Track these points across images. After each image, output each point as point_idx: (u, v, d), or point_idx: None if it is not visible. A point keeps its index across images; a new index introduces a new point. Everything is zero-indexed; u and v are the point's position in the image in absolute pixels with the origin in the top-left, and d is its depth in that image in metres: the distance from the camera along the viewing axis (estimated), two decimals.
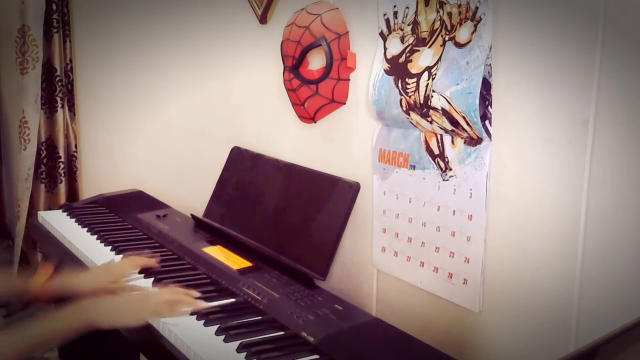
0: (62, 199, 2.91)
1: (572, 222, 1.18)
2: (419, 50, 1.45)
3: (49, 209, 2.68)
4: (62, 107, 2.90)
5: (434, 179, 1.45)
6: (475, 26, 1.30)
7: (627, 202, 1.10)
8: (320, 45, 1.65)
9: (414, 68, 1.45)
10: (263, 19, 1.98)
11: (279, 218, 1.83)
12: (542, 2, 1.19)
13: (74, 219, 2.12)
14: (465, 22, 1.33)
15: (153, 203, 2.32)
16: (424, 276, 1.49)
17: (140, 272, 1.64)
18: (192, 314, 1.40)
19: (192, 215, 2.08)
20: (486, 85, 1.29)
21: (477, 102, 1.29)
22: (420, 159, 1.48)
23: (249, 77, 2.10)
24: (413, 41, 1.46)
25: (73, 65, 2.94)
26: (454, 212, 1.41)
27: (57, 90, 2.88)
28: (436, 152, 1.44)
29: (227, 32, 2.18)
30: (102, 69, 2.91)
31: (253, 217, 1.91)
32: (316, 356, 1.26)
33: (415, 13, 1.45)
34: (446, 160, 1.41)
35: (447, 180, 1.42)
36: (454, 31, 1.35)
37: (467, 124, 1.33)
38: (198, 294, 1.44)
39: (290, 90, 1.77)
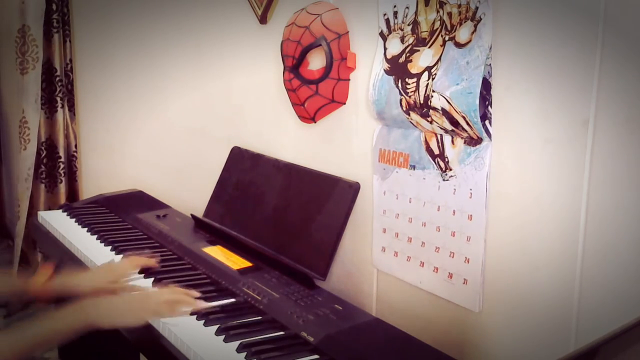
0: (62, 199, 2.91)
1: (572, 222, 1.18)
2: (419, 50, 1.45)
3: (49, 209, 2.68)
4: (62, 107, 2.90)
5: (434, 179, 1.45)
6: (475, 26, 1.30)
7: (627, 202, 1.10)
8: (320, 45, 1.65)
9: (414, 68, 1.45)
10: (263, 19, 1.98)
11: (279, 218, 1.83)
12: (542, 2, 1.19)
13: (74, 219, 2.12)
14: (465, 22, 1.33)
15: (153, 203, 2.32)
16: (424, 276, 1.49)
17: (140, 272, 1.64)
18: (192, 314, 1.40)
19: (192, 215, 2.08)
20: (486, 85, 1.29)
21: (477, 102, 1.29)
22: (420, 159, 1.48)
23: (249, 77, 2.10)
24: (413, 41, 1.46)
25: (73, 65, 2.94)
26: (454, 212, 1.41)
27: (57, 90, 2.88)
28: (436, 152, 1.44)
29: (227, 32, 2.18)
30: (102, 69, 2.91)
31: (253, 217, 1.91)
32: (316, 356, 1.26)
33: (415, 13, 1.45)
34: (446, 160, 1.41)
35: (447, 180, 1.42)
36: (454, 31, 1.35)
37: (467, 124, 1.33)
38: (198, 294, 1.44)
39: (290, 90, 1.77)
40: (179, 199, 2.39)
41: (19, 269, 2.97)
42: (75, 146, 2.96)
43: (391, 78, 1.51)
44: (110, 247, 1.86)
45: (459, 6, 1.34)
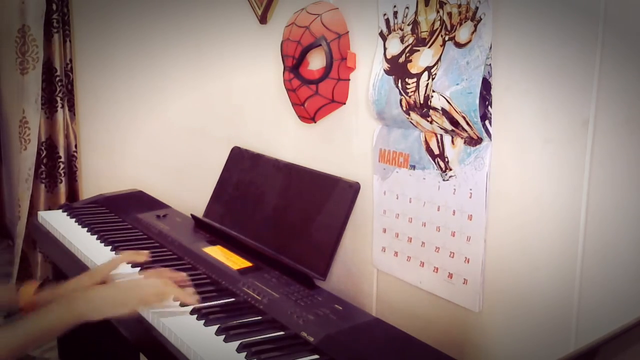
0: (62, 199, 2.91)
1: (572, 222, 1.18)
2: (419, 50, 1.45)
3: (49, 209, 2.68)
4: (62, 107, 2.90)
5: (434, 179, 1.45)
6: (475, 26, 1.30)
7: (627, 202, 1.10)
8: (320, 45, 1.65)
9: (414, 68, 1.45)
10: (263, 19, 1.98)
11: (279, 218, 1.83)
12: (542, 2, 1.19)
13: (74, 219, 2.12)
14: (465, 22, 1.33)
15: (153, 203, 2.32)
16: (424, 276, 1.49)
17: (134, 267, 1.65)
18: (182, 305, 1.41)
19: (192, 215, 2.08)
20: (486, 85, 1.29)
21: (477, 102, 1.29)
22: (420, 159, 1.48)
23: (249, 77, 2.10)
24: (413, 41, 1.46)
25: (73, 65, 2.94)
26: (454, 212, 1.41)
27: (57, 90, 2.88)
28: (436, 152, 1.44)
29: (227, 32, 2.18)
30: (102, 69, 2.91)
31: (253, 217, 1.91)
32: (316, 356, 1.26)
33: (415, 13, 1.45)
34: (446, 160, 1.41)
35: (447, 180, 1.42)
36: (454, 31, 1.35)
37: (467, 124, 1.33)
38: (184, 276, 1.44)
39: (290, 90, 1.77)
40: (179, 199, 2.39)
41: (19, 270, 2.97)
42: (75, 146, 2.96)
43: (391, 78, 1.51)
44: (110, 247, 1.86)
45: (459, 6, 1.34)
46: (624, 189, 1.11)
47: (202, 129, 2.38)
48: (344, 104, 1.71)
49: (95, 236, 1.96)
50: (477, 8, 1.29)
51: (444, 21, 1.38)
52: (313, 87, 1.70)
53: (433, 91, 1.38)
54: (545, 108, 1.21)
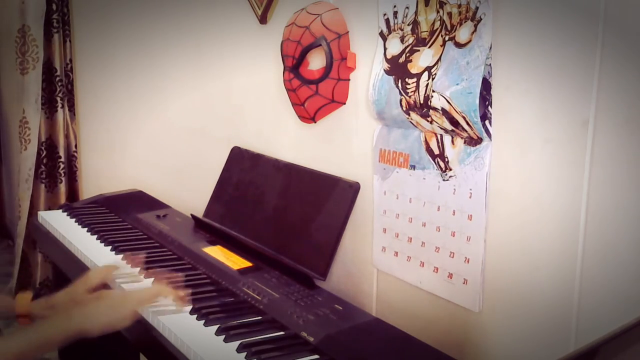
0: (62, 199, 2.91)
1: (572, 222, 1.18)
2: (419, 50, 1.45)
3: (49, 209, 2.68)
4: (62, 107, 2.90)
5: (434, 179, 1.45)
6: (475, 26, 1.30)
7: (627, 202, 1.10)
8: (320, 45, 1.65)
9: (414, 68, 1.45)
10: (263, 19, 1.98)
11: (279, 218, 1.83)
12: (542, 2, 1.19)
13: (74, 219, 2.13)
14: (465, 22, 1.33)
15: (153, 203, 2.32)
16: (424, 276, 1.49)
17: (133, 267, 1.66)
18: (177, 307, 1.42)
19: (192, 215, 2.08)
20: (486, 85, 1.29)
21: (477, 102, 1.29)
22: (420, 159, 1.48)
23: (249, 77, 2.10)
24: (413, 41, 1.46)
25: (73, 65, 2.94)
26: (454, 212, 1.41)
27: (57, 90, 2.88)
28: (436, 152, 1.44)
29: (227, 32, 2.18)
30: (102, 69, 2.91)
31: (253, 217, 1.91)
32: (316, 356, 1.26)
33: (415, 13, 1.45)
34: (446, 160, 1.41)
35: (447, 180, 1.42)
36: (454, 31, 1.35)
37: (467, 124, 1.33)
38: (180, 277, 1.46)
39: (290, 90, 1.77)
40: (179, 199, 2.39)
41: (19, 270, 2.97)
42: (75, 146, 2.96)
43: (391, 78, 1.51)
44: (110, 247, 1.86)
45: (459, 6, 1.34)
46: (624, 189, 1.11)
47: (202, 129, 2.38)
48: (344, 104, 1.71)
49: (95, 236, 1.96)
50: (477, 8, 1.29)
51: (444, 21, 1.38)
52: (313, 87, 1.70)
53: (433, 91, 1.38)
54: (545, 108, 1.21)
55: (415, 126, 1.48)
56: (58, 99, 2.88)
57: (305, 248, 1.69)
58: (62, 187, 2.93)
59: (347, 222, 1.64)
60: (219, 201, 2.08)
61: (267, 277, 1.61)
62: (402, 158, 1.53)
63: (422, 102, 1.41)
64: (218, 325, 1.34)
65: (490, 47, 1.28)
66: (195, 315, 1.40)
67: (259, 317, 1.42)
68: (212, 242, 1.87)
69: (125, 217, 2.15)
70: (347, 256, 1.73)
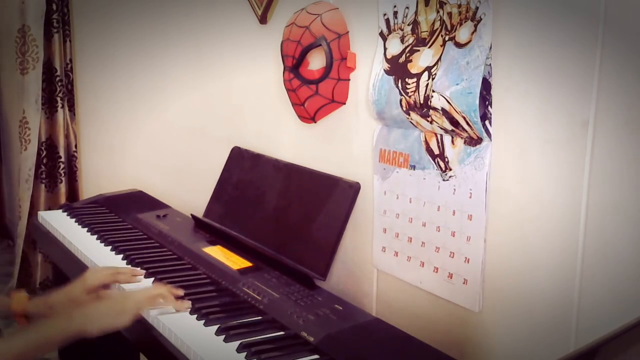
0: (62, 199, 2.91)
1: (572, 222, 1.18)
2: (419, 50, 1.45)
3: (49, 209, 2.68)
4: (62, 107, 2.90)
5: (434, 179, 1.45)
6: (475, 26, 1.30)
7: (627, 202, 1.10)
8: (320, 45, 1.65)
9: (414, 68, 1.45)
10: (263, 19, 1.98)
11: (279, 218, 1.83)
12: (542, 2, 1.19)
13: (74, 219, 2.13)
14: (465, 22, 1.33)
15: (153, 203, 2.32)
16: (424, 276, 1.49)
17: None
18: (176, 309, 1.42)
19: (192, 215, 2.08)
20: (486, 86, 1.30)
21: (477, 102, 1.29)
22: (420, 159, 1.48)
23: (249, 77, 2.10)
24: (413, 41, 1.46)
25: (73, 65, 2.94)
26: (454, 212, 1.41)
27: (57, 90, 2.88)
28: (436, 152, 1.44)
29: (227, 32, 2.18)
30: (102, 69, 2.91)
31: (253, 217, 1.91)
32: (316, 356, 1.26)
33: (415, 13, 1.45)
34: (446, 160, 1.41)
35: (447, 180, 1.42)
36: (454, 31, 1.35)
37: (467, 124, 1.33)
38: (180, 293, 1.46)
39: (290, 90, 1.77)
40: (179, 199, 2.39)
41: (19, 269, 2.98)
42: (75, 146, 2.96)
43: (391, 78, 1.51)
44: (110, 247, 1.86)
45: (459, 6, 1.34)
46: (624, 189, 1.11)
47: (202, 129, 2.38)
48: (344, 104, 1.71)
49: (96, 236, 1.96)
50: (477, 8, 1.30)
51: (444, 21, 1.38)
52: (313, 87, 1.70)
53: (433, 91, 1.39)
54: (545, 108, 1.21)
55: (415, 126, 1.48)
56: (58, 99, 2.88)
57: (306, 248, 1.69)
58: (62, 187, 2.93)
59: (347, 222, 1.64)
60: (219, 201, 2.08)
61: (267, 277, 1.61)
62: (402, 158, 1.53)
63: (422, 102, 1.41)
64: (218, 325, 1.34)
65: (490, 47, 1.28)
66: (195, 315, 1.40)
67: (259, 317, 1.42)
68: (212, 242, 1.87)
69: (125, 217, 2.15)
70: (347, 256, 1.73)
